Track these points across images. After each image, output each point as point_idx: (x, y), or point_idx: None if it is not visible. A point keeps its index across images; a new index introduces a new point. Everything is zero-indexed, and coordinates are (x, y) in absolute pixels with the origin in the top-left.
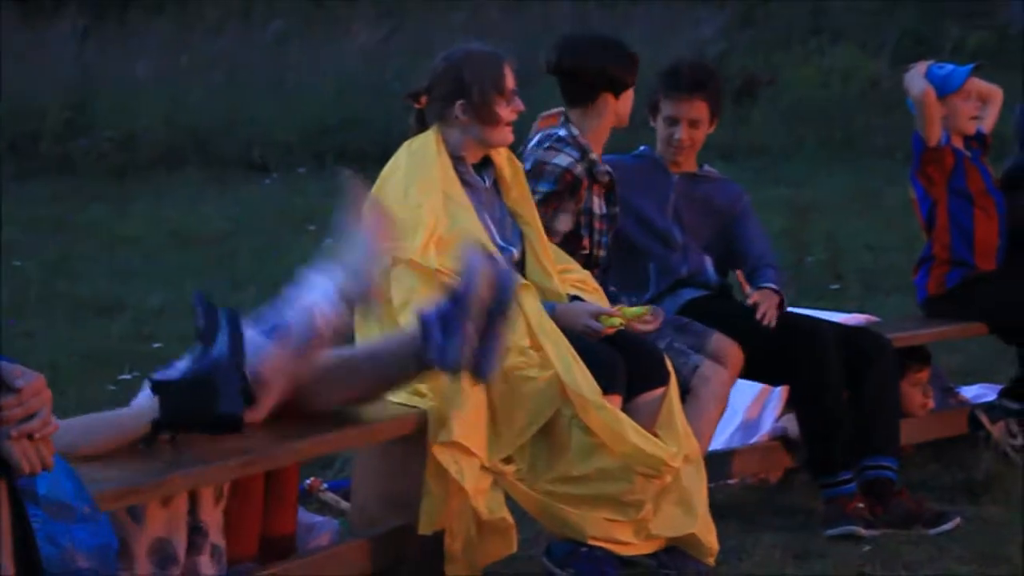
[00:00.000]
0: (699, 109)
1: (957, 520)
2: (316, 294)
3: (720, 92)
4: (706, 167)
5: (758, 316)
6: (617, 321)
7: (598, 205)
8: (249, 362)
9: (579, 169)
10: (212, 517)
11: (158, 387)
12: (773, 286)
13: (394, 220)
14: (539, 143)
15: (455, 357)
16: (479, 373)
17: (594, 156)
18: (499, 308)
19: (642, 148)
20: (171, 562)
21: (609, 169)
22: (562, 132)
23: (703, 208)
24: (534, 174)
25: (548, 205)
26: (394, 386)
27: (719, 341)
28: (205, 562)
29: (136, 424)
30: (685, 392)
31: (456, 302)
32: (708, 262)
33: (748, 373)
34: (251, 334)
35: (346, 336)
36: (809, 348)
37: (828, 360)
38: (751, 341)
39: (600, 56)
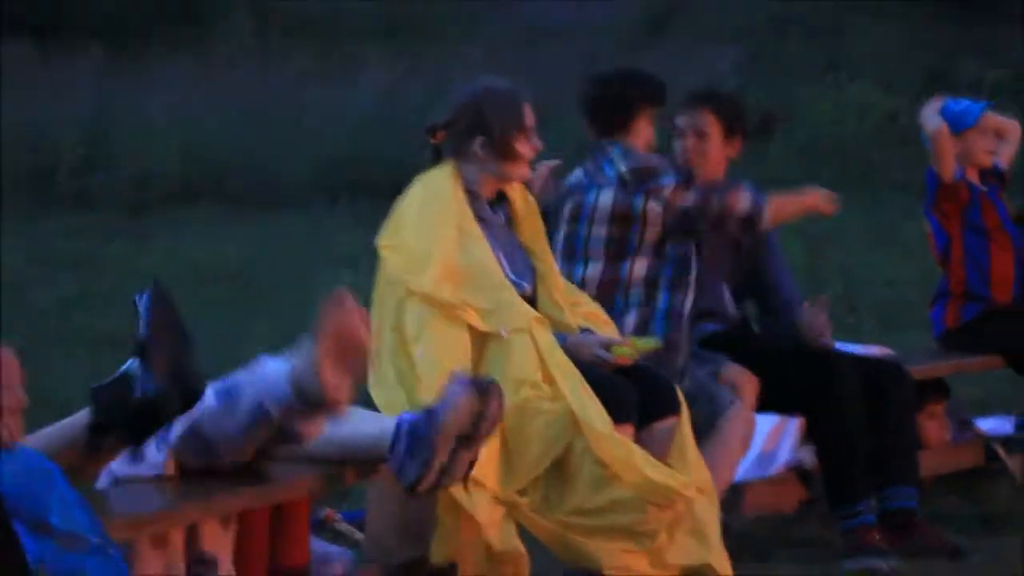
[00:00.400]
0: (705, 119)
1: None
2: (268, 381)
3: (736, 111)
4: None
5: (815, 334)
6: (628, 351)
7: None
8: (198, 416)
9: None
10: (223, 545)
11: (92, 392)
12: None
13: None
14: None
15: (411, 477)
16: (436, 487)
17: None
18: (473, 434)
19: None
20: None
21: None
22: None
23: (719, 239)
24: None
25: None
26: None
27: (732, 371)
28: None
29: (73, 431)
30: (709, 427)
31: (429, 422)
32: (726, 294)
33: (765, 404)
34: (207, 394)
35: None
36: (826, 377)
37: (846, 389)
38: (768, 371)
39: (630, 81)
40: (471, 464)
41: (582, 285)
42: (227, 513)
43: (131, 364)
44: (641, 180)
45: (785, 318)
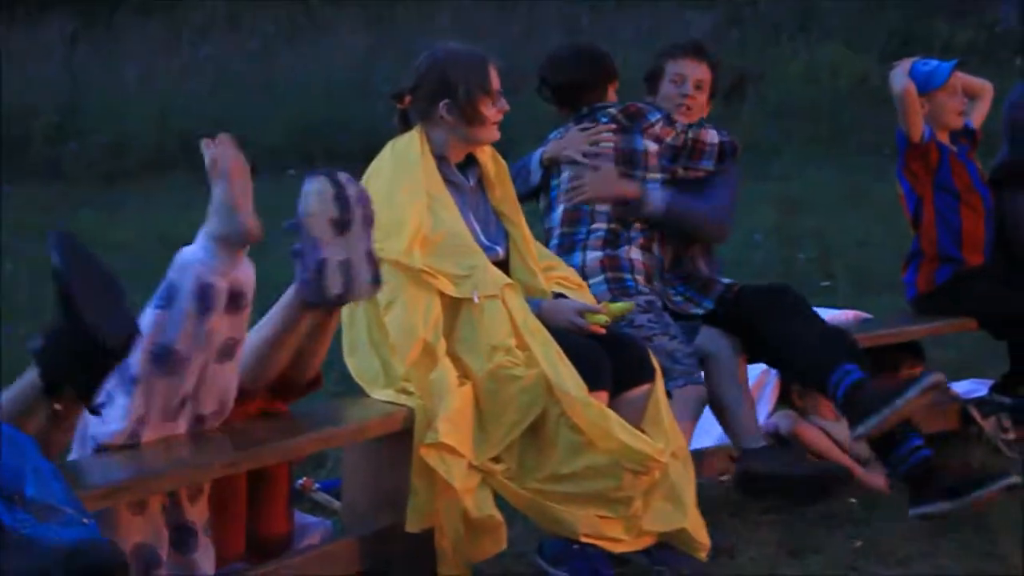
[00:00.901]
0: (703, 73)
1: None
2: (195, 253)
3: (718, 75)
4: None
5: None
6: (602, 318)
7: None
8: (149, 334)
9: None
10: (199, 514)
11: (33, 354)
12: None
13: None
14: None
15: (323, 290)
16: (352, 287)
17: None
18: (345, 216)
19: None
20: (154, 565)
21: None
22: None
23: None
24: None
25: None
26: (309, 338)
27: (704, 337)
28: (201, 559)
29: (27, 399)
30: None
31: (297, 231)
32: (702, 259)
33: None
34: (146, 312)
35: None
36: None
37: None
38: (731, 323)
39: (592, 63)
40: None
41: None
42: (201, 480)
43: (60, 317)
44: (634, 118)
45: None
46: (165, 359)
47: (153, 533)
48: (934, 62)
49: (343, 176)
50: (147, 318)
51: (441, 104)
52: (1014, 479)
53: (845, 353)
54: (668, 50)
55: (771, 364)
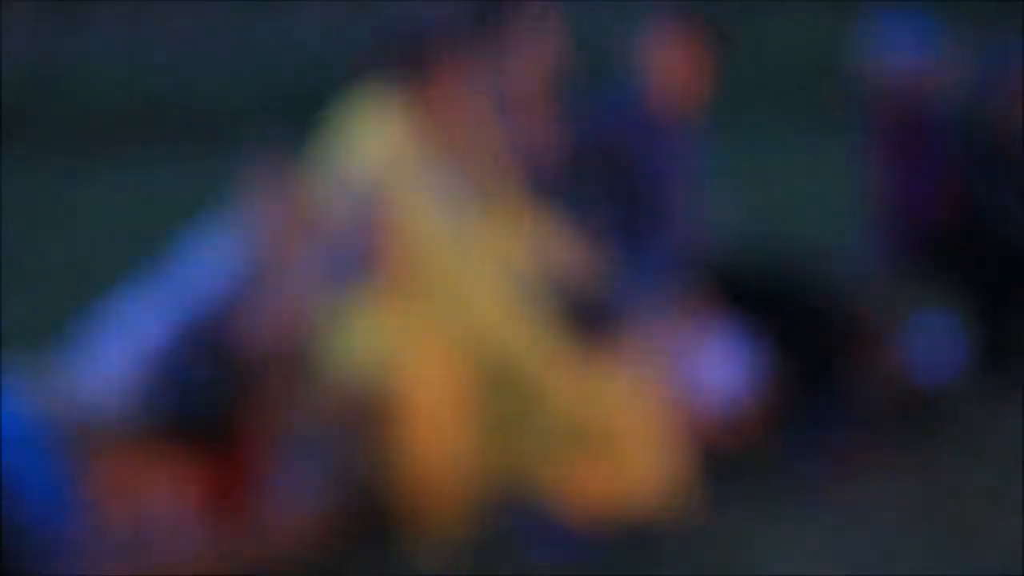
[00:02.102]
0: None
1: None
2: None
3: None
4: None
5: None
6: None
7: None
8: None
9: None
10: (175, 496)
11: None
12: None
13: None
14: None
15: None
16: None
17: None
18: None
19: None
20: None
21: None
22: None
23: None
24: None
25: None
26: None
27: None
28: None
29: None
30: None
31: None
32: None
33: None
34: None
35: None
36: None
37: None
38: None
39: None
40: None
41: None
42: (178, 459)
43: None
44: None
45: None
46: None
47: (144, 507)
48: (905, 31)
49: None
50: None
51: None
52: None
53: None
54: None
55: None
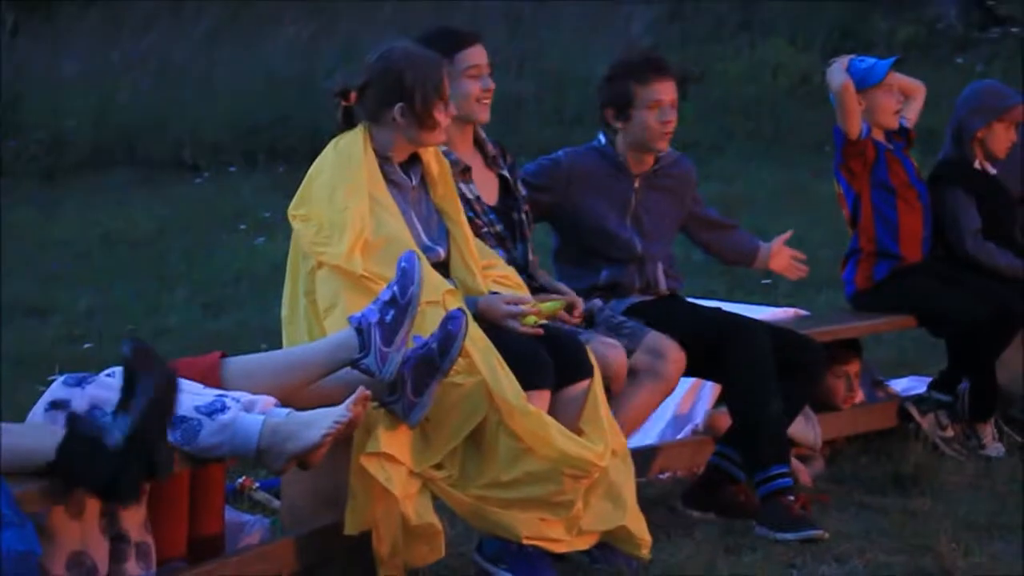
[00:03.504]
0: (674, 91)
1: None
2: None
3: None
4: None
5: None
6: (533, 320)
7: (469, 192)
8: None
9: None
10: (132, 518)
11: (71, 430)
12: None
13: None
14: None
15: (394, 366)
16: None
17: (443, 147)
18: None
19: (599, 142)
20: (92, 574)
21: (460, 161)
22: None
23: (665, 205)
24: None
25: None
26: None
27: (655, 339)
28: (131, 568)
29: (32, 457)
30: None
31: (399, 307)
32: (661, 272)
33: (688, 370)
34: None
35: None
36: (745, 348)
37: (759, 357)
38: (690, 339)
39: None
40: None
41: None
42: None
43: (111, 427)
44: None
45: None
46: None
47: (91, 541)
48: (871, 59)
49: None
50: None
51: (396, 107)
52: (817, 533)
53: (782, 449)
54: (630, 72)
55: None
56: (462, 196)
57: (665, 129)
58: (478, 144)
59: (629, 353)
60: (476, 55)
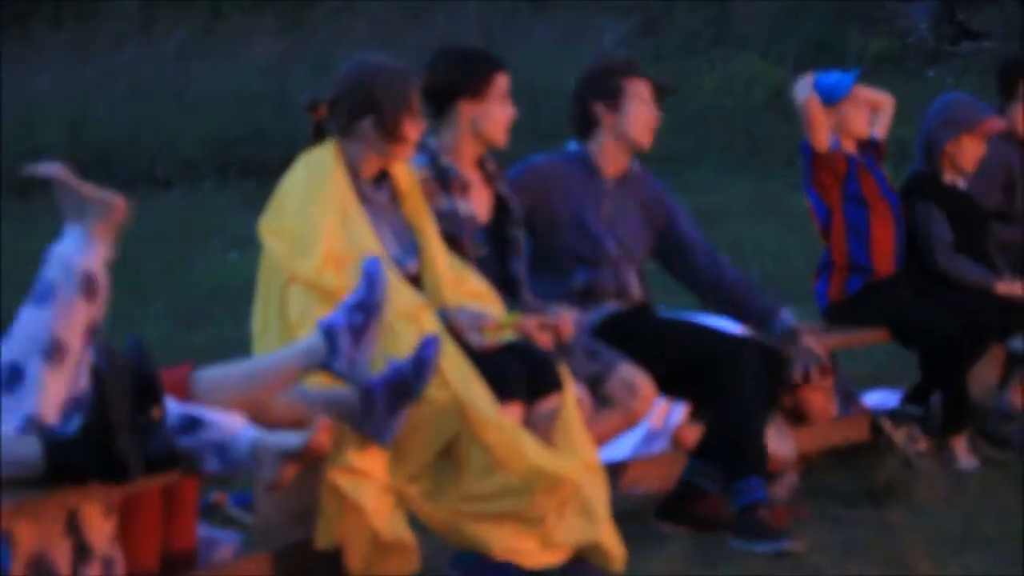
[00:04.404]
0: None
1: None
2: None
3: None
4: (634, 163)
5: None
6: (492, 334)
7: (463, 208)
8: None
9: (425, 171)
10: (100, 531)
11: (49, 448)
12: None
13: None
14: None
15: (364, 368)
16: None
17: (446, 161)
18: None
19: (571, 147)
20: None
21: (462, 176)
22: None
23: (636, 215)
24: None
25: None
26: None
27: (625, 371)
28: (95, 574)
29: (24, 468)
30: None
31: (365, 311)
32: (634, 278)
33: (665, 389)
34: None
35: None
36: (739, 363)
37: (750, 372)
38: (667, 361)
39: (437, 67)
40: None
41: None
42: (112, 496)
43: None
44: None
45: (708, 274)
46: (55, 352)
47: (51, 544)
48: (836, 74)
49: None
50: (32, 317)
51: (365, 120)
52: (793, 545)
53: (762, 462)
54: (618, 67)
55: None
56: (455, 213)
57: (653, 122)
58: (479, 160)
59: (602, 379)
60: (506, 80)
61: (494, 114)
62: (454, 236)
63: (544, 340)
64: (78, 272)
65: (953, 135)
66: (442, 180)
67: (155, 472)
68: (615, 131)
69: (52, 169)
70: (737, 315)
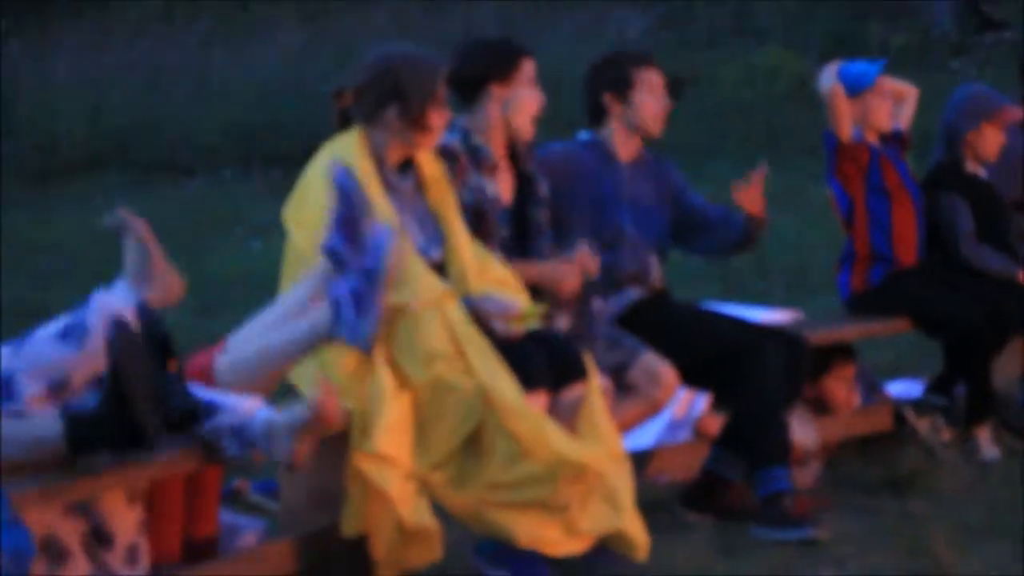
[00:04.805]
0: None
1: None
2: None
3: None
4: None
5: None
6: (516, 324)
7: (490, 189)
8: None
9: (456, 145)
10: (124, 519)
11: (67, 422)
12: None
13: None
14: None
15: (367, 335)
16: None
17: (478, 141)
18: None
19: (583, 135)
20: (63, 557)
21: (492, 156)
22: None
23: (652, 196)
24: None
25: None
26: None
27: (652, 362)
28: (118, 562)
29: (44, 446)
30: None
31: (368, 278)
32: (654, 263)
33: (688, 379)
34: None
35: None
36: (753, 352)
37: (771, 363)
38: (690, 350)
39: (466, 56)
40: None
41: None
42: (135, 484)
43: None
44: None
45: (729, 231)
46: (59, 389)
47: (59, 526)
48: (862, 64)
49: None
50: (53, 348)
51: (390, 108)
52: (816, 533)
53: (785, 452)
54: (627, 58)
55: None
56: (482, 192)
57: (662, 112)
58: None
59: (625, 367)
60: (533, 66)
61: (523, 98)
62: (482, 213)
63: (573, 284)
64: (116, 326)
65: (974, 125)
66: (474, 158)
67: (178, 429)
68: (625, 120)
69: (136, 224)
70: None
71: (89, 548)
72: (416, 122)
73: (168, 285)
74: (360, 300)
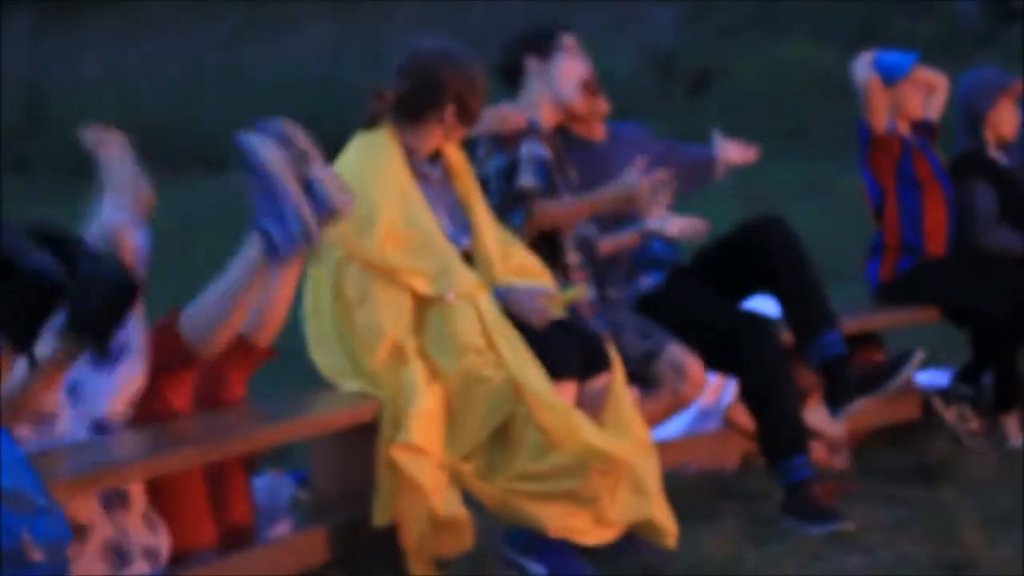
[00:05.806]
0: None
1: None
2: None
3: None
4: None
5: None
6: (553, 310)
7: (546, 151)
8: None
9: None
10: (129, 521)
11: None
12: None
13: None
14: None
15: (290, 234)
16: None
17: (530, 115)
18: (305, 160)
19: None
20: (84, 532)
21: (545, 130)
22: None
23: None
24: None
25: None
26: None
27: (678, 354)
28: (136, 567)
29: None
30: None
31: (260, 182)
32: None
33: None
34: None
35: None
36: (749, 339)
37: (768, 350)
38: (702, 332)
39: (507, 45)
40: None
41: None
42: (173, 470)
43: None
44: None
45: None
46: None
47: (125, 530)
48: (896, 54)
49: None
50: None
51: (446, 109)
52: (918, 355)
53: (801, 438)
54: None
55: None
56: (545, 159)
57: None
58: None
59: (653, 358)
60: (572, 39)
61: (563, 68)
62: (551, 180)
63: (644, 187)
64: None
65: (990, 102)
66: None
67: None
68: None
69: (112, 138)
70: None
71: (109, 509)
72: (470, 119)
73: (144, 196)
74: (265, 203)
